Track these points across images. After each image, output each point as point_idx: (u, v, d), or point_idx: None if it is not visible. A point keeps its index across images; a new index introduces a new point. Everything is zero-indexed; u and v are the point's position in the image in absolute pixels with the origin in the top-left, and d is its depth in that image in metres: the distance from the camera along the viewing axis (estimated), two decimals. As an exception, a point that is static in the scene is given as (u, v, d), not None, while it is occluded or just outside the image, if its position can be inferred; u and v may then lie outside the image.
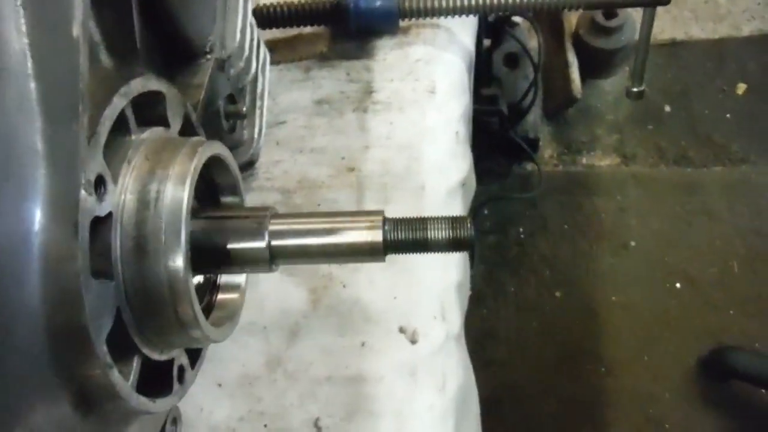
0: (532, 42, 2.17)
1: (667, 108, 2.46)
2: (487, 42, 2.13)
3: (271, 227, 0.70)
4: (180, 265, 0.62)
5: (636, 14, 2.13)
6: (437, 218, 0.70)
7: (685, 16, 2.57)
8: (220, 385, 0.98)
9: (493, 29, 2.13)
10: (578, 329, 2.15)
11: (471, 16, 1.26)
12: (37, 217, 0.51)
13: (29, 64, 0.51)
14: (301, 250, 0.71)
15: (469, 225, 0.70)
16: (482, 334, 2.13)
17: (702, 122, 2.43)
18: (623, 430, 2.01)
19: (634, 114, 2.47)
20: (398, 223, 0.70)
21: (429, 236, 0.70)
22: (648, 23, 1.22)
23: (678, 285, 2.18)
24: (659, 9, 1.25)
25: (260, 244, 0.70)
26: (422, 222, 0.70)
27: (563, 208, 2.36)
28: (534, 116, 2.26)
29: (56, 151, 0.52)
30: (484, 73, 1.99)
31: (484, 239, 2.30)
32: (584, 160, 2.45)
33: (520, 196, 2.36)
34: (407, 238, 0.70)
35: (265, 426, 0.95)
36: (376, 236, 0.69)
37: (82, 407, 0.57)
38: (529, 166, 2.40)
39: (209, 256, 0.70)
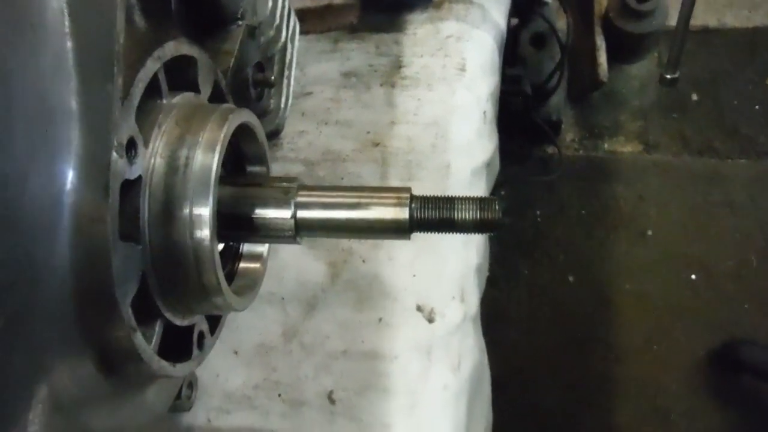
0: (561, 22, 2.13)
1: (695, 96, 2.41)
2: (514, 20, 2.09)
3: (298, 199, 0.70)
4: (206, 233, 0.62)
5: (670, -1, 2.09)
6: (465, 198, 0.69)
7: (719, 2, 2.50)
8: (236, 352, 0.99)
9: (521, 8, 2.08)
10: (589, 315, 2.14)
11: (504, -7, 1.23)
12: (69, 177, 0.50)
13: (66, 22, 0.51)
14: (326, 223, 0.71)
15: (497, 207, 0.69)
16: (492, 316, 2.11)
17: (729, 113, 2.37)
18: (629, 418, 2.01)
19: (659, 101, 2.42)
20: (425, 201, 0.69)
21: (456, 216, 0.69)
22: (688, 8, 1.18)
23: (693, 276, 2.15)
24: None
25: (286, 214, 0.69)
26: (450, 201, 0.69)
27: (582, 193, 2.34)
28: (558, 98, 2.23)
29: (90, 112, 0.52)
30: (509, 52, 1.96)
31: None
32: (606, 146, 2.42)
33: (539, 179, 2.33)
34: (434, 217, 0.69)
35: (279, 395, 0.96)
36: (403, 213, 0.69)
37: (104, 368, 0.58)
38: (550, 149, 2.37)
39: (235, 225, 0.70)
